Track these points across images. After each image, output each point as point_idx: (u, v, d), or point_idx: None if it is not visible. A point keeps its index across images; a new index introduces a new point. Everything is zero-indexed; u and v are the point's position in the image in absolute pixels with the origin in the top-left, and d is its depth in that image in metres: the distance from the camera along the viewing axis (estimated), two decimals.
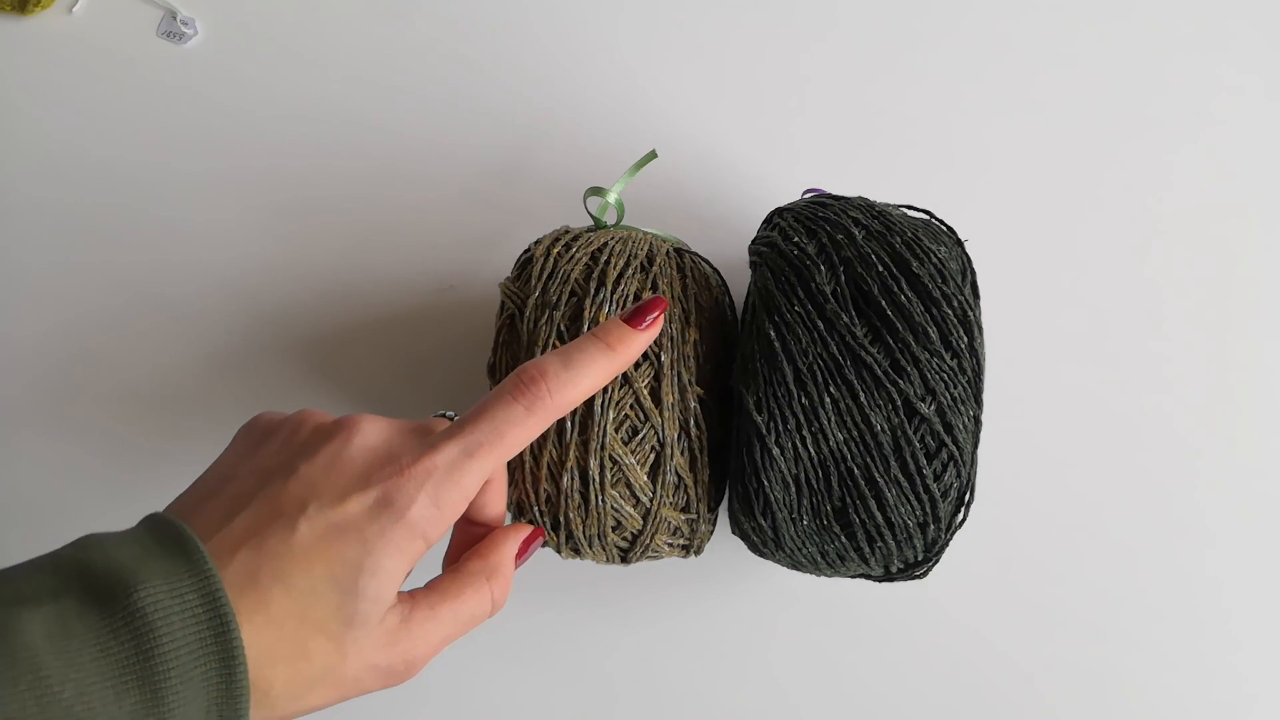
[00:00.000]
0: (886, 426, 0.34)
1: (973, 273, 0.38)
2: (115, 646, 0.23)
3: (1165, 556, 0.46)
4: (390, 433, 0.30)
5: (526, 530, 0.34)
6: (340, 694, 0.28)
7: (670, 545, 0.38)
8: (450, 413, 0.34)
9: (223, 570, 0.26)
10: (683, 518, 0.37)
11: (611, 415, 0.35)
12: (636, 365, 0.36)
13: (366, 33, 0.52)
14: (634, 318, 0.33)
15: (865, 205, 0.37)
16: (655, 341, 0.36)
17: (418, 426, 0.31)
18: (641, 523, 0.36)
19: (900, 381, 0.34)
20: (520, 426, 0.30)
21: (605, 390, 0.35)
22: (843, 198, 0.38)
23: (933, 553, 0.36)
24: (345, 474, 0.28)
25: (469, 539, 0.34)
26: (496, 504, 0.34)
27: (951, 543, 0.37)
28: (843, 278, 0.35)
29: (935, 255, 0.35)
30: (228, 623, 0.24)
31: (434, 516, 0.28)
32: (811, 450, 0.34)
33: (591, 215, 0.42)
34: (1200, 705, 0.45)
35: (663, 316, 0.34)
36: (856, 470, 0.34)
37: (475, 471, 0.29)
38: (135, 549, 0.25)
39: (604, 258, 0.37)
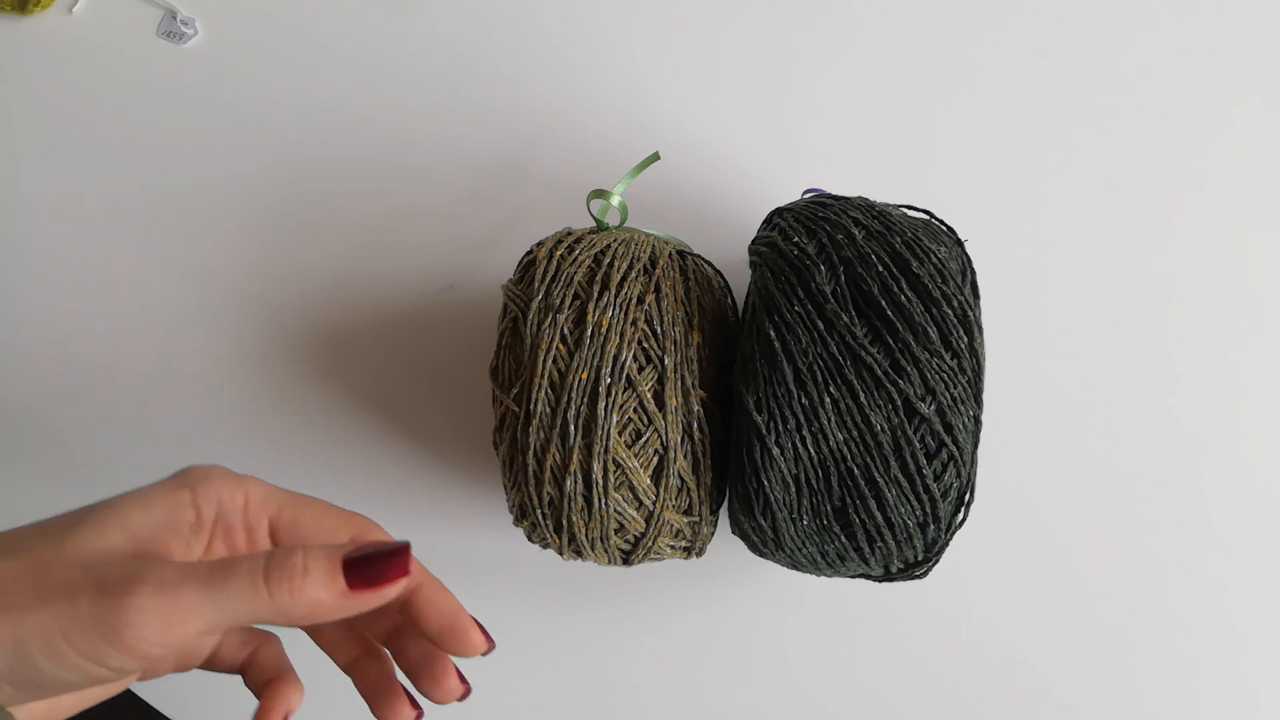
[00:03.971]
0: (886, 426, 0.34)
1: (973, 273, 0.38)
2: None
3: (1166, 556, 0.46)
4: None
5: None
6: None
7: (672, 547, 0.38)
8: None
9: None
10: (685, 520, 0.37)
11: (615, 419, 0.35)
12: (640, 369, 0.36)
13: (366, 33, 0.52)
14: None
15: (865, 205, 0.37)
16: (659, 344, 0.36)
17: None
18: (644, 525, 0.36)
19: (900, 381, 0.34)
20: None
21: (609, 393, 0.35)
22: (843, 198, 0.38)
23: (933, 553, 0.36)
24: None
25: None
26: None
27: (951, 543, 0.37)
28: (843, 278, 0.35)
29: (935, 255, 0.35)
30: None
31: None
32: (811, 450, 0.34)
33: (594, 217, 0.42)
34: (1202, 704, 0.45)
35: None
36: (856, 470, 0.34)
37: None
38: None
39: (607, 260, 0.37)
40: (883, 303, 0.34)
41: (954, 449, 0.34)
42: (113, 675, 0.25)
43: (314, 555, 0.25)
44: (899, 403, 0.34)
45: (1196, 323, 0.47)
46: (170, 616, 0.24)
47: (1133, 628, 0.45)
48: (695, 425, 0.36)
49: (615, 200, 0.42)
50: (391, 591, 0.26)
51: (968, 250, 0.39)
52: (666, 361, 0.36)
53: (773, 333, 0.35)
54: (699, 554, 0.39)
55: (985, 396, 0.40)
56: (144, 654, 0.24)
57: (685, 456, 0.36)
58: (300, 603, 0.25)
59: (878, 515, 0.34)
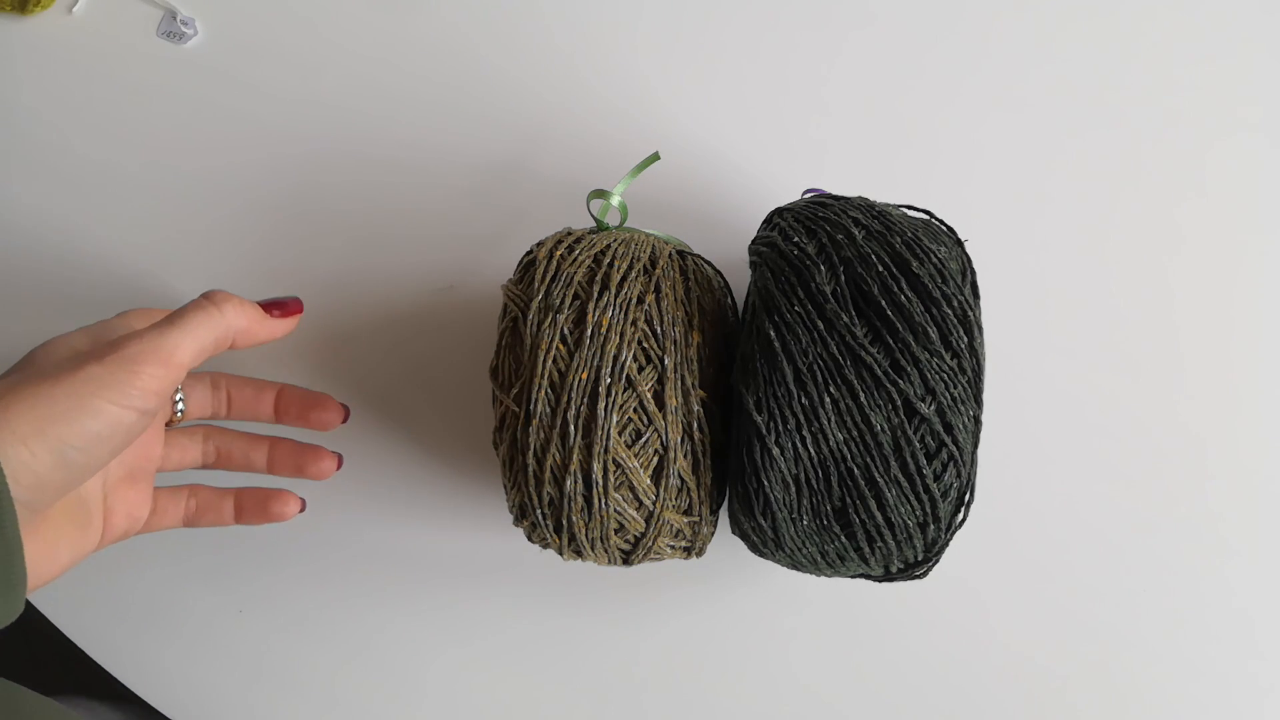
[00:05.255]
0: (886, 426, 0.34)
1: (973, 273, 0.38)
2: None
3: (1167, 556, 0.46)
4: None
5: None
6: None
7: (672, 547, 0.38)
8: None
9: None
10: (685, 520, 0.37)
11: (615, 419, 0.35)
12: (640, 368, 0.36)
13: (367, 31, 0.52)
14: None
15: (865, 205, 0.37)
16: (659, 344, 0.36)
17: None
18: (644, 525, 0.37)
19: (900, 381, 0.34)
20: None
21: (609, 393, 0.35)
22: (843, 197, 0.38)
23: (933, 553, 0.36)
24: None
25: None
26: None
27: (951, 543, 0.37)
28: (843, 278, 0.35)
29: (935, 255, 0.35)
30: None
31: None
32: (811, 450, 0.34)
33: (594, 217, 0.42)
34: (1208, 704, 0.45)
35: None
36: (856, 470, 0.34)
37: None
38: None
39: (607, 260, 0.37)
40: (883, 303, 0.34)
41: (954, 449, 0.34)
42: (136, 419, 0.32)
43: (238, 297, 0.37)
44: (899, 403, 0.34)
45: (1202, 324, 0.47)
46: (160, 350, 0.32)
47: (1138, 628, 0.45)
48: (695, 425, 0.36)
49: (615, 200, 0.42)
50: (291, 322, 0.39)
51: (968, 250, 0.39)
52: (666, 361, 0.36)
53: (773, 333, 0.35)
54: (699, 554, 0.39)
55: (990, 397, 0.40)
56: (154, 388, 0.31)
57: (685, 456, 0.36)
58: (239, 314, 0.35)
59: (878, 515, 0.34)
